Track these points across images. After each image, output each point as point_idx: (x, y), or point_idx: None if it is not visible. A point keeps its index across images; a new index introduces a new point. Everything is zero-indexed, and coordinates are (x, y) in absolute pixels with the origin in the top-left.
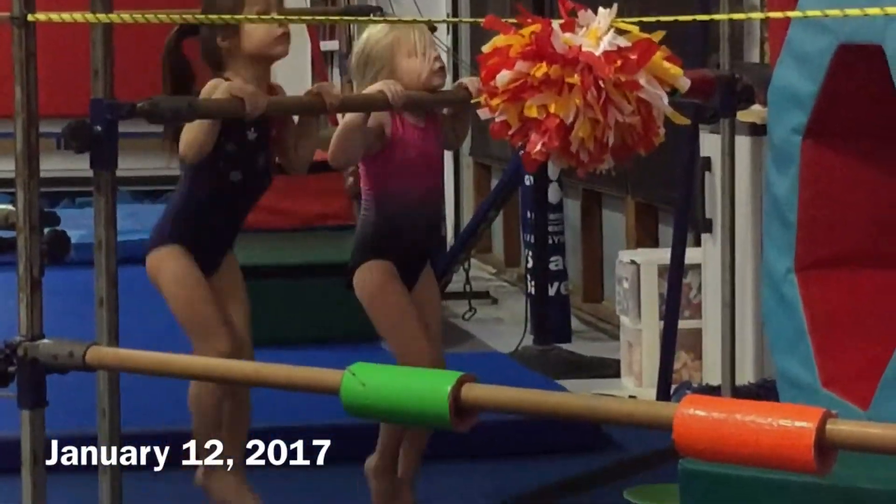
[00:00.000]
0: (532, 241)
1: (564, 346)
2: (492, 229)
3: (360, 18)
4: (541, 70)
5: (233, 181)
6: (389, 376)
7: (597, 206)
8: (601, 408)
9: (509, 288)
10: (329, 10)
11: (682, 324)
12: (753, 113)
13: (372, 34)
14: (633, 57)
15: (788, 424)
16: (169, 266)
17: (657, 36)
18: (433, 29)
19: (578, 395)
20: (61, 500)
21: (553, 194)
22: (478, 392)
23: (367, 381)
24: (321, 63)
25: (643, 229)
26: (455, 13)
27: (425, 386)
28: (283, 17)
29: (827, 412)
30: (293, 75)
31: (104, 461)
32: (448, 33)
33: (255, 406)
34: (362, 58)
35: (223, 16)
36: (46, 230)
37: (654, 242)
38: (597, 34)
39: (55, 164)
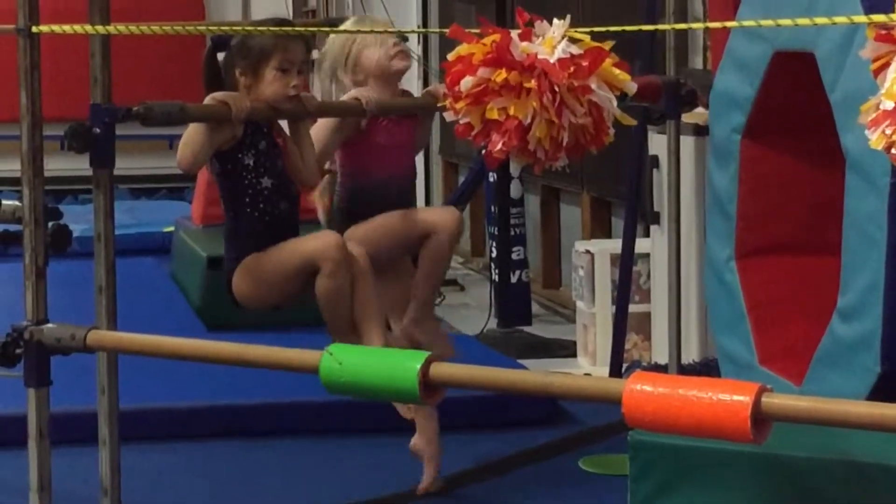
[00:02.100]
0: (496, 232)
1: (525, 328)
2: None
3: (337, 29)
4: (501, 76)
5: (266, 187)
6: (364, 356)
7: (555, 201)
8: (557, 384)
9: (475, 276)
10: (309, 23)
11: (633, 308)
12: (697, 115)
13: (336, 38)
14: (585, 63)
15: (727, 398)
16: (249, 266)
17: (607, 44)
18: (405, 39)
19: (536, 373)
20: (64, 472)
21: (515, 190)
22: (444, 370)
23: (343, 360)
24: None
25: (597, 222)
26: (425, 25)
27: (397, 364)
28: (268, 28)
29: (762, 387)
30: None
31: (104, 435)
32: (419, 43)
33: (245, 384)
34: (331, 59)
35: (211, 27)
36: (50, 224)
37: (608, 234)
38: (552, 43)
39: (60, 164)
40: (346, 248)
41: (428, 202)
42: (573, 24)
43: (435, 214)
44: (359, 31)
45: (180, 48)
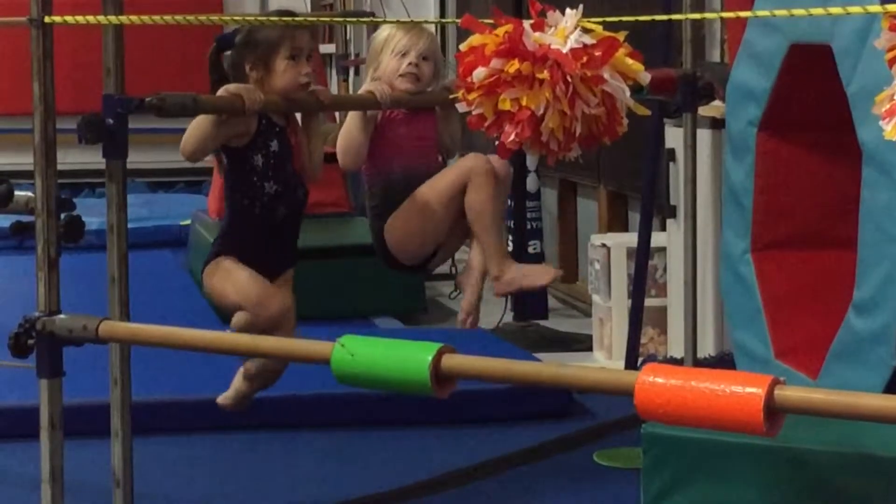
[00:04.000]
0: (512, 226)
1: (541, 322)
2: None
3: (349, 20)
4: (513, 66)
5: (269, 192)
6: (376, 347)
7: (572, 195)
8: (569, 375)
9: None
10: (330, 15)
11: (649, 302)
12: (714, 108)
13: (383, 28)
14: (598, 54)
15: (740, 390)
16: (220, 267)
17: (620, 35)
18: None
19: (548, 364)
20: (77, 463)
21: (531, 183)
22: (456, 361)
23: (355, 351)
24: (321, 65)
25: (614, 215)
26: (443, 16)
27: (408, 356)
28: (281, 18)
29: (775, 379)
30: None
31: (116, 427)
32: (436, 34)
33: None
34: (370, 47)
35: (224, 17)
36: (63, 215)
37: (625, 227)
38: (564, 33)
39: (77, 158)
40: (282, 311)
41: None
42: (591, 16)
43: (460, 166)
44: (371, 21)
45: (199, 40)
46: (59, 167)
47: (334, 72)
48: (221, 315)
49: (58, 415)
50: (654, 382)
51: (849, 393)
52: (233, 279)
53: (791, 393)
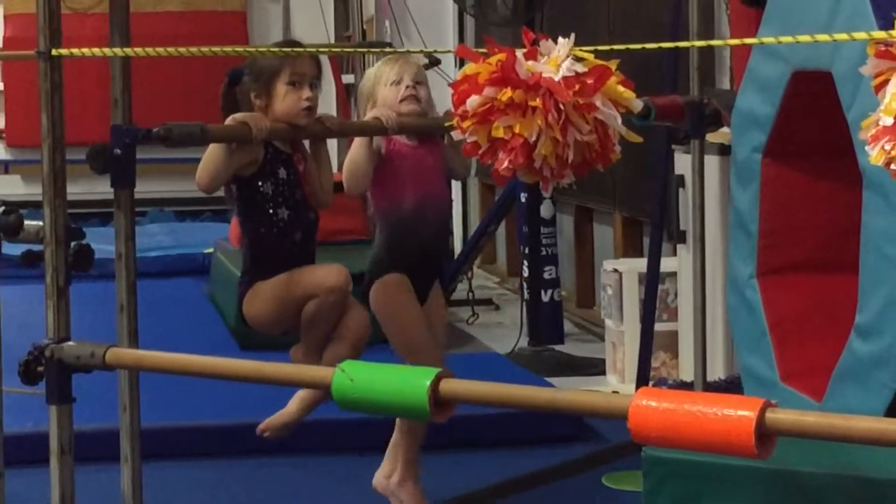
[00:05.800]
0: (527, 252)
1: (557, 347)
2: (496, 242)
3: (372, 50)
4: (506, 95)
5: (283, 218)
6: (376, 373)
7: (588, 220)
8: (564, 400)
9: (511, 295)
10: (346, 45)
11: (661, 326)
12: (722, 134)
13: (368, 70)
14: (590, 82)
15: (731, 413)
16: (257, 292)
17: (612, 63)
18: (436, 62)
19: (545, 389)
20: (87, 489)
21: (546, 210)
22: (454, 386)
23: (355, 377)
24: (343, 94)
25: (629, 241)
26: None
27: (408, 381)
28: (301, 48)
29: (767, 402)
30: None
31: (125, 452)
32: (456, 66)
33: (268, 403)
34: (359, 91)
35: (225, 48)
36: (73, 244)
37: (640, 253)
38: (556, 61)
39: (107, 188)
40: (349, 285)
41: (465, 223)
42: (597, 44)
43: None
44: (387, 52)
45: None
46: (89, 197)
47: (353, 101)
48: (250, 341)
49: (67, 440)
50: (647, 406)
51: (840, 416)
52: (284, 285)
53: (782, 416)
